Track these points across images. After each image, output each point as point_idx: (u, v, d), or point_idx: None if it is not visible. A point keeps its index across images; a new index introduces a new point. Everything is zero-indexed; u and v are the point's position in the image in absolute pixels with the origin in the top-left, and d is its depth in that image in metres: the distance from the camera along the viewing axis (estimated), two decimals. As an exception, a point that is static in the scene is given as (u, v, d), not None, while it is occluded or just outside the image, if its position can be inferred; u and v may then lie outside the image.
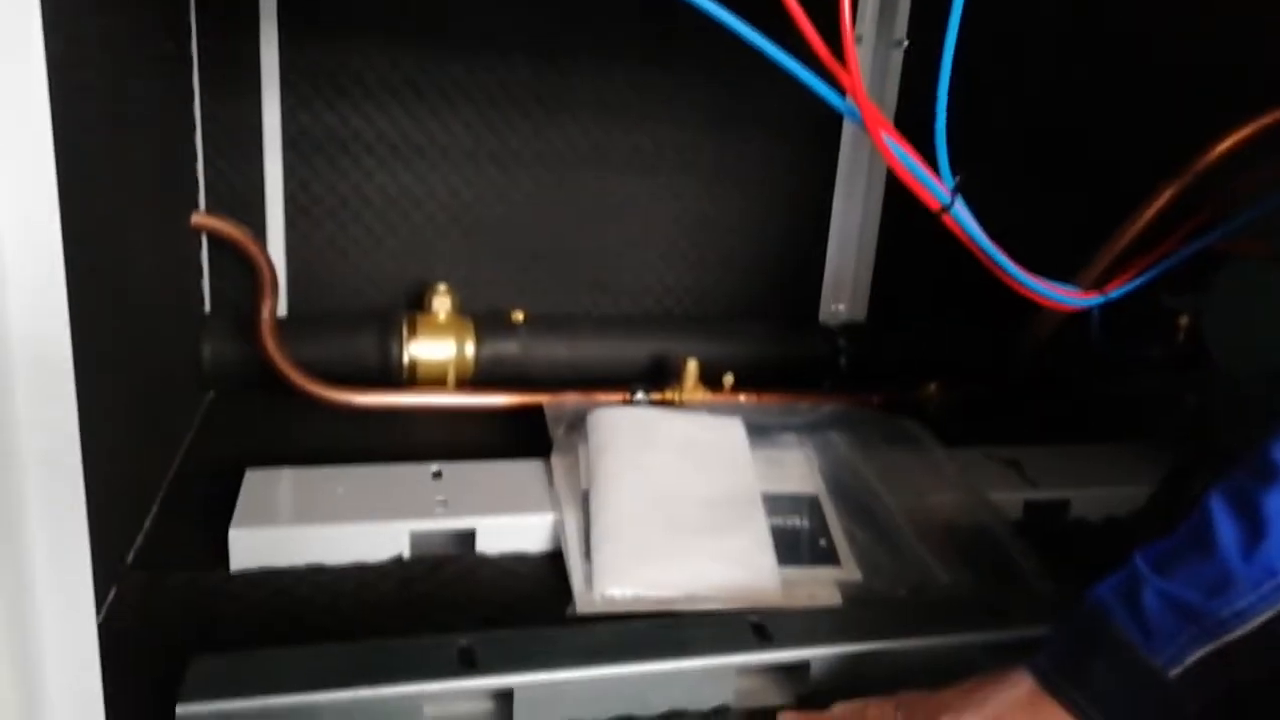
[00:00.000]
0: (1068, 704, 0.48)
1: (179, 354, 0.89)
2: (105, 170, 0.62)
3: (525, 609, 0.65)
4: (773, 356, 1.12)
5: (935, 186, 0.54)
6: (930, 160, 0.53)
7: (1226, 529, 0.47)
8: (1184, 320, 0.89)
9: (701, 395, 0.97)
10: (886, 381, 1.09)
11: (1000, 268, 0.57)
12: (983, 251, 0.56)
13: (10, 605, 0.30)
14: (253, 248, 0.94)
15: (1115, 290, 0.75)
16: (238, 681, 0.50)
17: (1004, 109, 1.13)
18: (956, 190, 0.54)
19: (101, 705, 0.33)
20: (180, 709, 0.48)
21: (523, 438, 0.90)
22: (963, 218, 0.56)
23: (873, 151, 1.19)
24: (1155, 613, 0.47)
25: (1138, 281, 0.76)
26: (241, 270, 0.98)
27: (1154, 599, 0.48)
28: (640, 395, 0.96)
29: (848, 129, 1.19)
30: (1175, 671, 0.47)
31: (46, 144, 0.31)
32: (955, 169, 0.53)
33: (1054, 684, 0.49)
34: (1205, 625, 0.46)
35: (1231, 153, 0.82)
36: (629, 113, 1.10)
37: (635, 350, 1.08)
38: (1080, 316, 0.92)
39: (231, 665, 0.51)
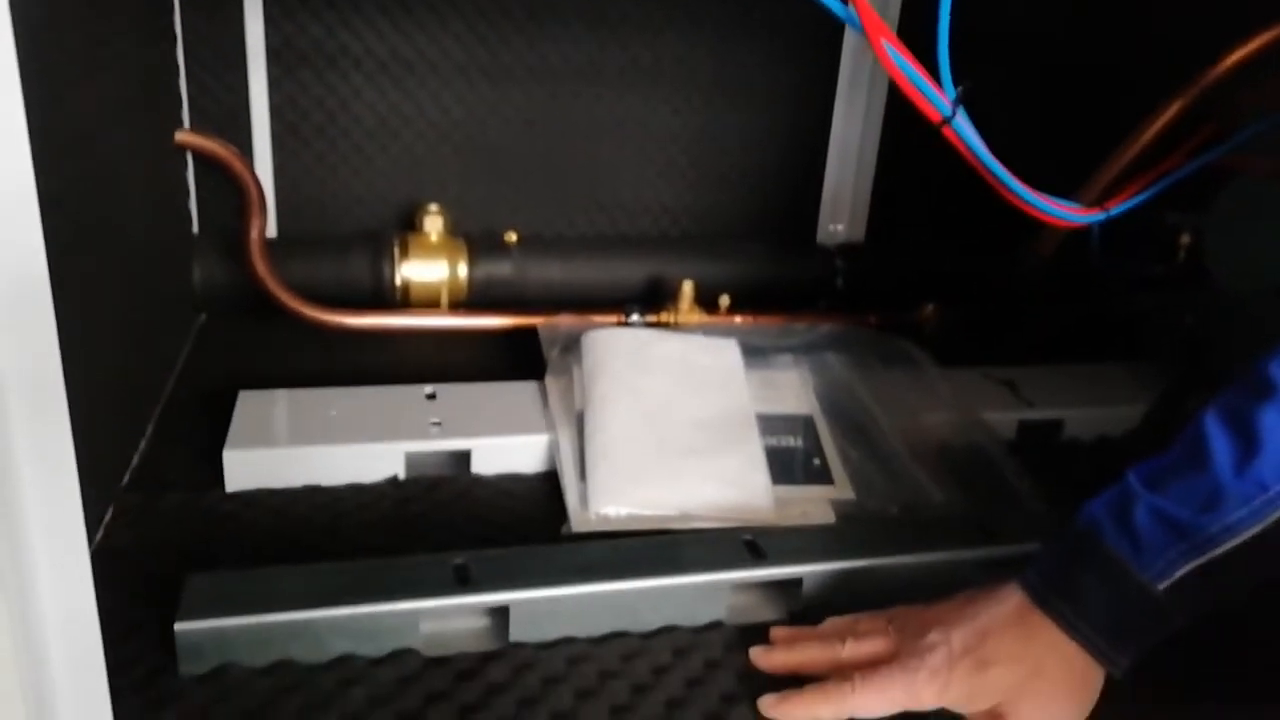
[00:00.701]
0: (1056, 617, 0.49)
1: (168, 276, 0.88)
2: (79, 84, 0.60)
3: (520, 528, 0.66)
4: (769, 277, 1.11)
5: (936, 97, 0.52)
6: (932, 71, 0.51)
7: (1220, 445, 0.48)
8: (1185, 238, 0.87)
9: (697, 317, 0.96)
10: (883, 302, 1.08)
11: (1001, 182, 0.56)
12: (983, 166, 0.55)
13: (2, 533, 0.30)
14: (239, 166, 0.92)
15: (1116, 206, 0.74)
16: (234, 599, 0.50)
17: (1008, 20, 1.09)
18: (958, 102, 0.53)
19: (97, 625, 0.33)
20: (178, 626, 0.48)
21: (517, 360, 0.90)
22: (964, 130, 0.54)
23: (874, 68, 1.16)
24: (1145, 528, 0.48)
25: (1140, 198, 0.75)
26: (229, 190, 0.96)
27: (1145, 514, 0.48)
28: (635, 317, 0.95)
29: (849, 43, 1.15)
30: (1163, 585, 0.47)
31: (8, 53, 0.30)
32: (957, 80, 0.51)
33: (1042, 598, 0.50)
34: (1195, 540, 0.47)
35: (1239, 67, 0.79)
36: (626, 25, 1.06)
37: (630, 271, 1.07)
38: (1081, 234, 0.90)
39: (228, 583, 0.51)
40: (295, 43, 0.97)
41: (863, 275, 1.14)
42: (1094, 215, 0.74)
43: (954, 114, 0.53)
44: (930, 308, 1.08)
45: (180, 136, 0.89)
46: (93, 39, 0.64)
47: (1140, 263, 0.88)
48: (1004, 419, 0.84)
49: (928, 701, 0.49)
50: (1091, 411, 0.88)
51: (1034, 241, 1.10)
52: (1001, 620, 0.50)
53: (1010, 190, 0.56)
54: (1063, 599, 0.49)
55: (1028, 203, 0.56)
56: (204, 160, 0.94)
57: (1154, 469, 0.50)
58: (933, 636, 0.50)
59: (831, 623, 0.56)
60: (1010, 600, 0.51)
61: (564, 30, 1.05)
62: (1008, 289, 1.16)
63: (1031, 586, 0.50)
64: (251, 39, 0.95)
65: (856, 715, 0.49)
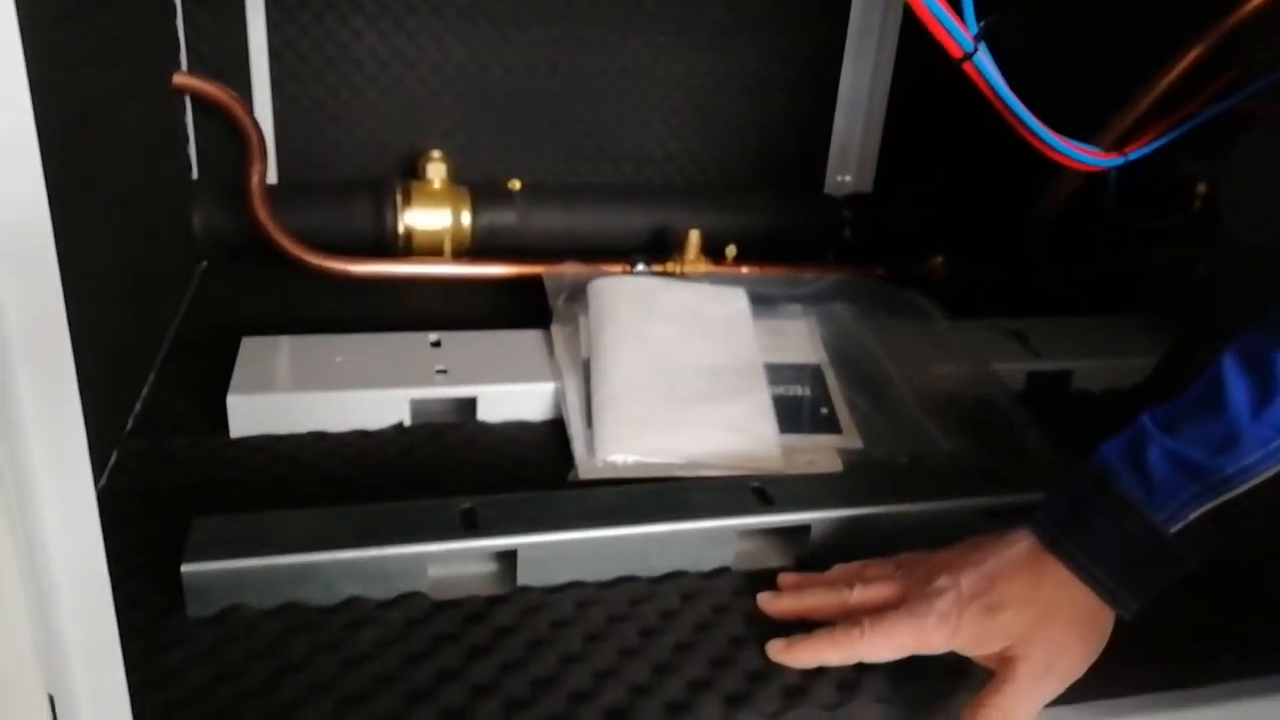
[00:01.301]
0: (1066, 559, 0.48)
1: (169, 222, 0.86)
2: (75, 23, 0.59)
3: (527, 475, 0.65)
4: (776, 228, 1.10)
5: (958, 31, 0.51)
6: (954, 3, 0.50)
7: (1237, 387, 0.47)
8: (1201, 188, 0.86)
9: (704, 267, 0.95)
10: (891, 254, 1.07)
11: (1021, 122, 0.54)
12: (1004, 104, 0.54)
13: (7, 479, 0.29)
14: (238, 110, 0.90)
15: (1135, 151, 0.73)
16: (242, 541, 0.50)
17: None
18: (980, 37, 0.51)
19: (105, 569, 0.32)
20: (184, 568, 0.48)
21: (521, 308, 0.89)
22: (985, 67, 0.53)
23: (885, 16, 1.13)
24: (1159, 470, 0.47)
25: (1158, 143, 0.74)
26: (228, 135, 0.95)
27: (1159, 457, 0.48)
28: (641, 266, 0.94)
29: (859, -12, 1.13)
30: (1176, 528, 0.47)
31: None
32: (980, 14, 0.50)
33: (1053, 540, 0.49)
34: (1209, 483, 0.46)
35: (1262, 11, 0.77)
36: (633, -33, 1.04)
37: (635, 220, 1.06)
38: (1095, 185, 0.89)
39: (235, 526, 0.51)
40: (293, -18, 0.95)
41: (870, 227, 1.13)
42: (1112, 159, 0.72)
43: (976, 49, 0.51)
44: (938, 260, 1.07)
45: (178, 79, 0.88)
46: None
47: (1156, 211, 0.87)
48: (1013, 370, 0.84)
49: (937, 645, 0.49)
50: (1101, 363, 0.87)
51: (1045, 193, 1.09)
52: (1010, 564, 0.50)
53: (1030, 131, 0.54)
54: (1073, 541, 0.48)
55: (1047, 144, 0.55)
56: (203, 104, 0.93)
57: (1169, 412, 0.49)
58: (941, 581, 0.50)
59: (839, 569, 0.56)
60: (1020, 544, 0.50)
61: (569, -27, 1.02)
62: (1017, 242, 1.15)
63: (1041, 529, 0.50)
64: (249, -21, 0.93)
65: (864, 659, 0.49)
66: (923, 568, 0.52)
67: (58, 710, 0.32)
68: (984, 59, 0.53)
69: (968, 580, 0.49)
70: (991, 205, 1.16)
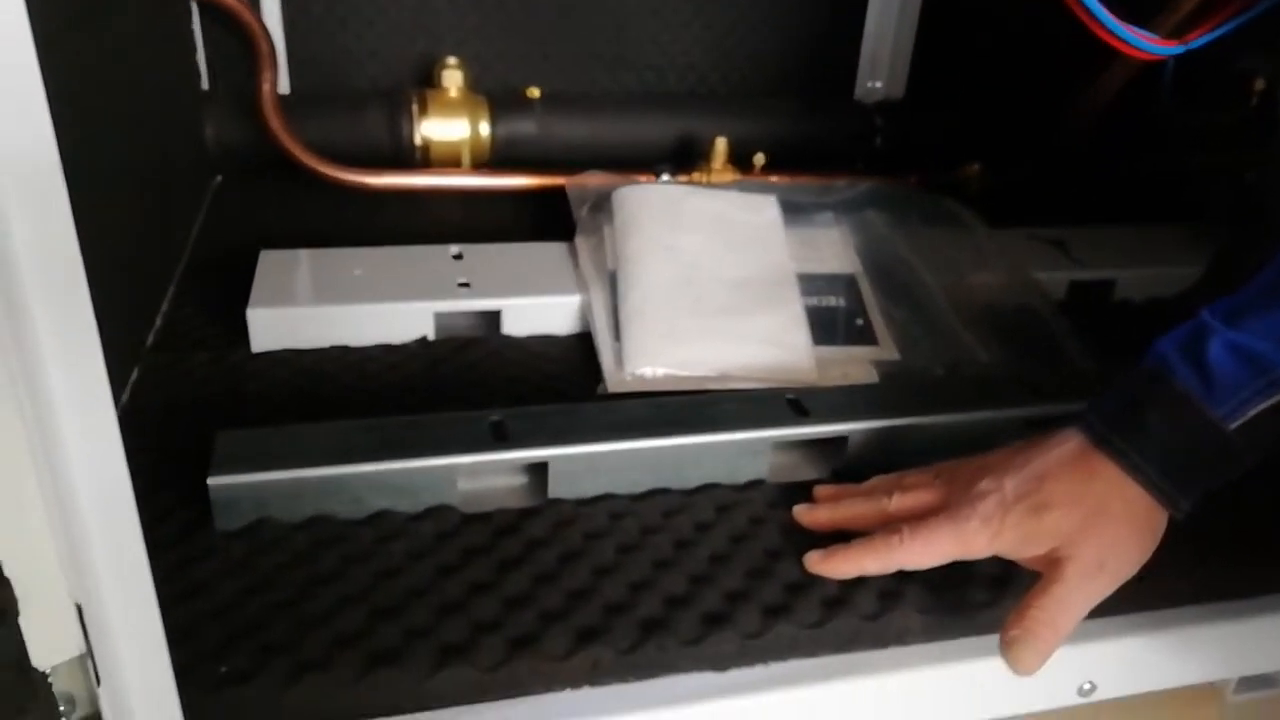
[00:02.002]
0: (1118, 457, 0.46)
1: (181, 134, 0.84)
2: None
3: (554, 389, 0.64)
4: (804, 135, 1.06)
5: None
6: None
7: None
8: (1259, 84, 0.81)
9: (731, 176, 0.92)
10: (924, 162, 1.04)
11: (1083, 6, 0.50)
12: None
13: (27, 397, 0.28)
14: (247, 15, 0.87)
15: (1196, 39, 0.68)
16: (268, 454, 0.49)
17: None
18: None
19: (127, 478, 0.31)
20: (211, 481, 0.47)
21: (543, 221, 0.86)
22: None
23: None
24: (1220, 364, 0.45)
25: (1220, 31, 0.69)
26: (237, 44, 0.91)
27: (1220, 350, 0.45)
28: (666, 176, 0.91)
29: (896, -124, 1.06)
30: (1235, 424, 0.44)
31: None
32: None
33: (1103, 438, 0.47)
34: (1273, 376, 0.44)
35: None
36: None
37: (659, 130, 1.02)
38: (1145, 83, 0.84)
39: (260, 439, 0.50)
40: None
41: (902, 134, 1.09)
42: (1173, 47, 0.68)
43: None
44: (974, 167, 1.03)
45: (183, -17, 0.84)
46: None
47: (1211, 108, 0.82)
48: (1053, 279, 0.81)
49: (979, 549, 0.47)
50: (1144, 272, 0.84)
51: (1086, 93, 1.04)
52: (1058, 463, 0.47)
53: (1091, 15, 0.50)
54: (1126, 439, 0.46)
55: (1109, 29, 0.51)
56: (209, 10, 0.89)
57: (1232, 304, 0.47)
58: (984, 484, 0.48)
59: (877, 480, 0.54)
60: (1067, 444, 0.48)
61: None
62: (1055, 148, 1.10)
63: (1091, 427, 0.48)
64: (253, -125, 0.88)
65: (904, 567, 0.48)
66: (964, 473, 0.50)
67: (86, 619, 0.31)
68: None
69: (1012, 482, 0.48)
70: (1029, 110, 1.11)
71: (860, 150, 1.08)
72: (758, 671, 0.45)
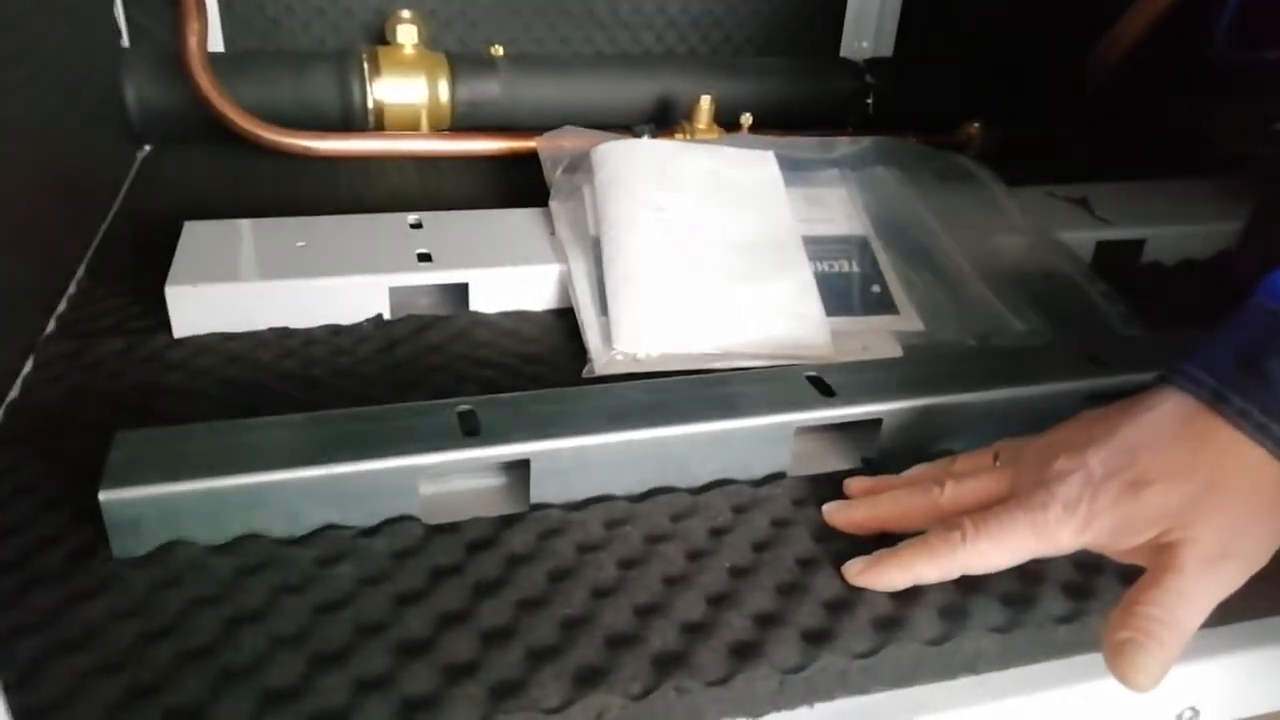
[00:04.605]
0: (1235, 417, 0.37)
1: (95, 97, 0.73)
2: None
3: (533, 373, 0.55)
4: (793, 96, 0.98)
5: None
6: None
7: None
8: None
9: (716, 136, 0.83)
10: (921, 123, 0.96)
11: None
12: None
13: None
14: (167, -42, 0.76)
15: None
16: (180, 459, 0.39)
17: None
18: None
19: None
20: (103, 496, 0.37)
21: (511, 189, 0.78)
22: None
23: None
24: None
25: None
26: (160, -7, 0.81)
27: None
28: (645, 136, 0.82)
29: None
30: None
31: None
32: None
33: (1217, 395, 0.38)
34: None
35: None
36: None
37: (635, 91, 0.94)
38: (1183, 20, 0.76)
39: (169, 441, 0.40)
40: None
41: (896, 93, 1.01)
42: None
43: None
44: (974, 126, 0.96)
45: (90, -80, 0.73)
46: None
47: (1261, 46, 0.74)
48: (1080, 239, 0.73)
49: (1064, 543, 0.38)
50: (1175, 230, 0.77)
51: (1098, 49, 0.97)
52: (1156, 430, 0.39)
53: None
54: (1245, 395, 0.37)
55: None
56: (125, -45, 0.79)
57: None
58: (1061, 463, 0.39)
59: (920, 468, 0.46)
60: (1164, 405, 0.39)
61: None
62: (1062, 101, 1.03)
63: (1198, 384, 0.39)
64: None
65: (970, 571, 0.39)
66: (1031, 452, 0.42)
67: None
68: None
69: (1098, 456, 0.39)
70: (1031, 63, 1.04)
71: (852, 110, 1.00)
72: (801, 715, 0.36)
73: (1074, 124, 0.99)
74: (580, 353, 0.56)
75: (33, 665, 0.32)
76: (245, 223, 0.62)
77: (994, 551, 0.39)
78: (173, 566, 0.38)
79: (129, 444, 0.40)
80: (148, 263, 0.60)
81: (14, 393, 0.49)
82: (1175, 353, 0.42)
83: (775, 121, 0.89)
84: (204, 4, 0.77)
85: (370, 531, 0.41)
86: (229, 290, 0.55)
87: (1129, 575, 0.38)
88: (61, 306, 0.57)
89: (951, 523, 0.40)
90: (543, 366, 0.56)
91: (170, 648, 0.34)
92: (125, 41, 0.82)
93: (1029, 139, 0.96)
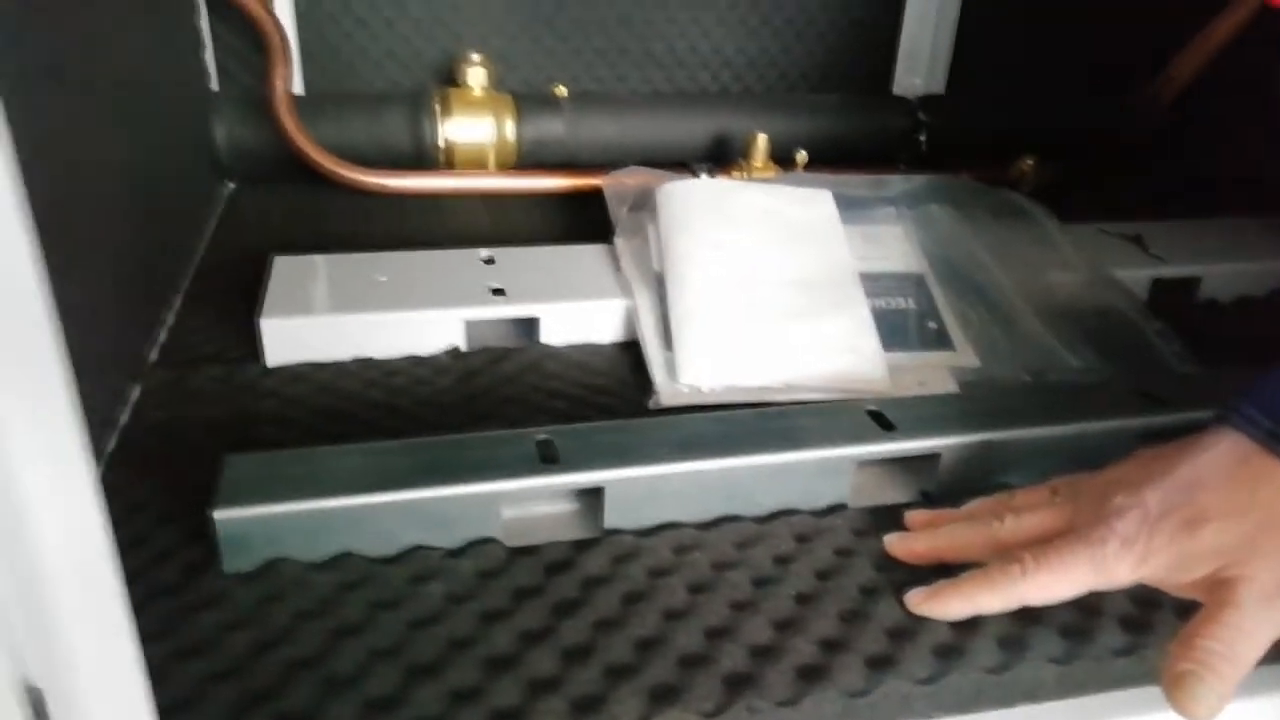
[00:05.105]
0: None
1: (188, 138, 0.78)
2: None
3: (601, 403, 0.57)
4: (846, 133, 1.00)
5: None
6: None
7: None
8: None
9: (772, 174, 0.86)
10: (973, 159, 0.97)
11: None
12: None
13: None
14: (258, 9, 0.81)
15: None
16: (284, 482, 0.42)
17: None
18: None
19: (101, 515, 0.24)
20: (216, 514, 0.41)
21: (576, 223, 0.81)
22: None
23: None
24: None
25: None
26: (247, 41, 0.86)
27: None
28: (704, 175, 0.85)
29: None
30: None
31: None
32: None
33: (1271, 434, 0.39)
34: None
35: None
36: None
37: (693, 128, 0.96)
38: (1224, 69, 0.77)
39: (274, 465, 0.43)
40: None
41: (948, 130, 1.02)
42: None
43: None
44: (1027, 162, 0.97)
45: (189, -26, 0.78)
46: None
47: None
48: (1135, 276, 0.74)
49: (1121, 577, 0.40)
50: (1231, 267, 0.77)
51: (1153, 86, 0.98)
52: (1211, 469, 0.40)
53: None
54: None
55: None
56: (218, 7, 0.84)
57: None
58: (1119, 500, 0.41)
59: (979, 502, 0.47)
60: (1219, 445, 0.41)
61: None
62: (1119, 140, 1.04)
63: (1252, 423, 0.40)
64: None
65: (1030, 603, 0.41)
66: (1089, 488, 0.43)
67: (50, 706, 0.24)
68: None
69: (1154, 494, 0.40)
70: (1083, 101, 1.05)
71: (905, 147, 1.02)
72: (866, 737, 0.38)
73: (1128, 161, 0.99)
74: (645, 384, 0.59)
75: (157, 670, 0.35)
76: (331, 258, 0.65)
77: (1053, 584, 0.40)
78: (278, 582, 0.41)
79: (238, 467, 0.43)
80: (238, 294, 0.64)
81: (125, 417, 0.53)
82: (1231, 391, 0.43)
83: (829, 158, 0.91)
84: (289, 52, 0.82)
85: (457, 552, 0.43)
86: (318, 322, 0.58)
87: (1186, 610, 0.39)
88: (163, 336, 0.61)
89: (1011, 555, 0.41)
90: (610, 397, 0.58)
91: (279, 657, 0.37)
92: (214, 85, 0.87)
93: (1082, 175, 0.98)
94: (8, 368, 0.22)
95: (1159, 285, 0.75)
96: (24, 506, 0.23)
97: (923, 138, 1.02)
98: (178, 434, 0.51)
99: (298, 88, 0.90)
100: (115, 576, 0.25)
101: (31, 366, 0.23)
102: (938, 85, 1.14)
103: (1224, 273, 0.77)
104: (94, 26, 0.55)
